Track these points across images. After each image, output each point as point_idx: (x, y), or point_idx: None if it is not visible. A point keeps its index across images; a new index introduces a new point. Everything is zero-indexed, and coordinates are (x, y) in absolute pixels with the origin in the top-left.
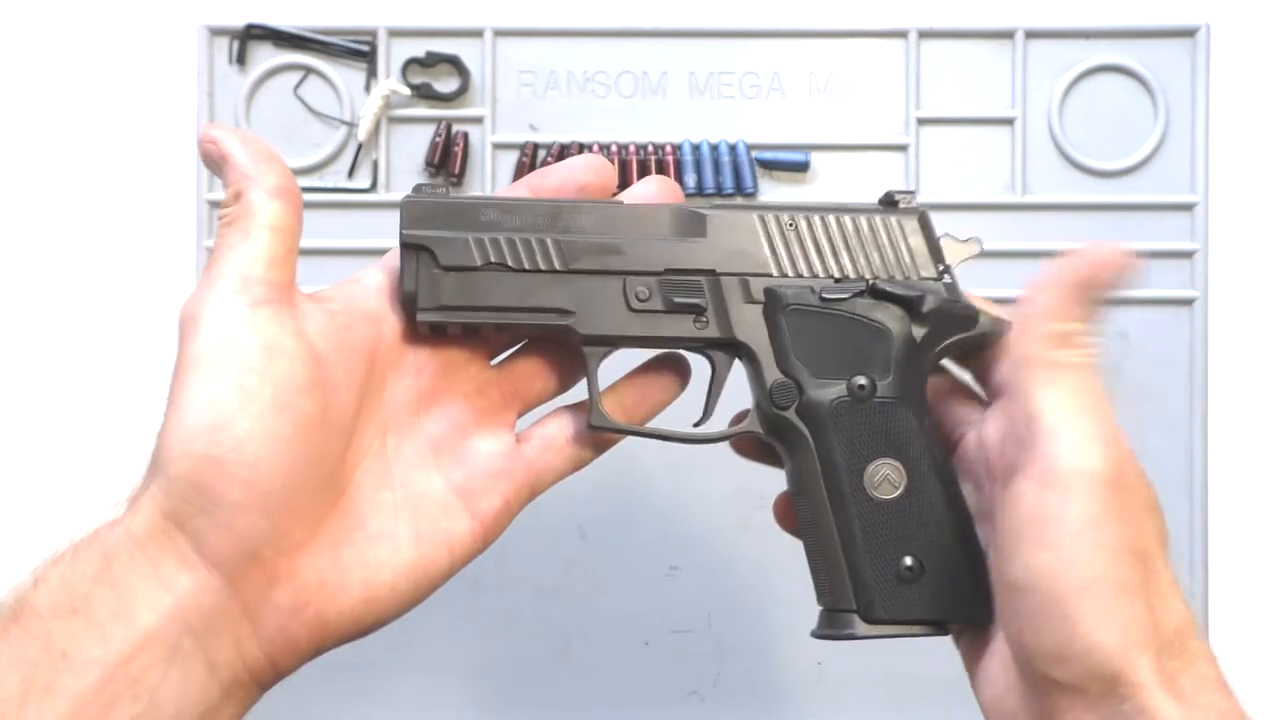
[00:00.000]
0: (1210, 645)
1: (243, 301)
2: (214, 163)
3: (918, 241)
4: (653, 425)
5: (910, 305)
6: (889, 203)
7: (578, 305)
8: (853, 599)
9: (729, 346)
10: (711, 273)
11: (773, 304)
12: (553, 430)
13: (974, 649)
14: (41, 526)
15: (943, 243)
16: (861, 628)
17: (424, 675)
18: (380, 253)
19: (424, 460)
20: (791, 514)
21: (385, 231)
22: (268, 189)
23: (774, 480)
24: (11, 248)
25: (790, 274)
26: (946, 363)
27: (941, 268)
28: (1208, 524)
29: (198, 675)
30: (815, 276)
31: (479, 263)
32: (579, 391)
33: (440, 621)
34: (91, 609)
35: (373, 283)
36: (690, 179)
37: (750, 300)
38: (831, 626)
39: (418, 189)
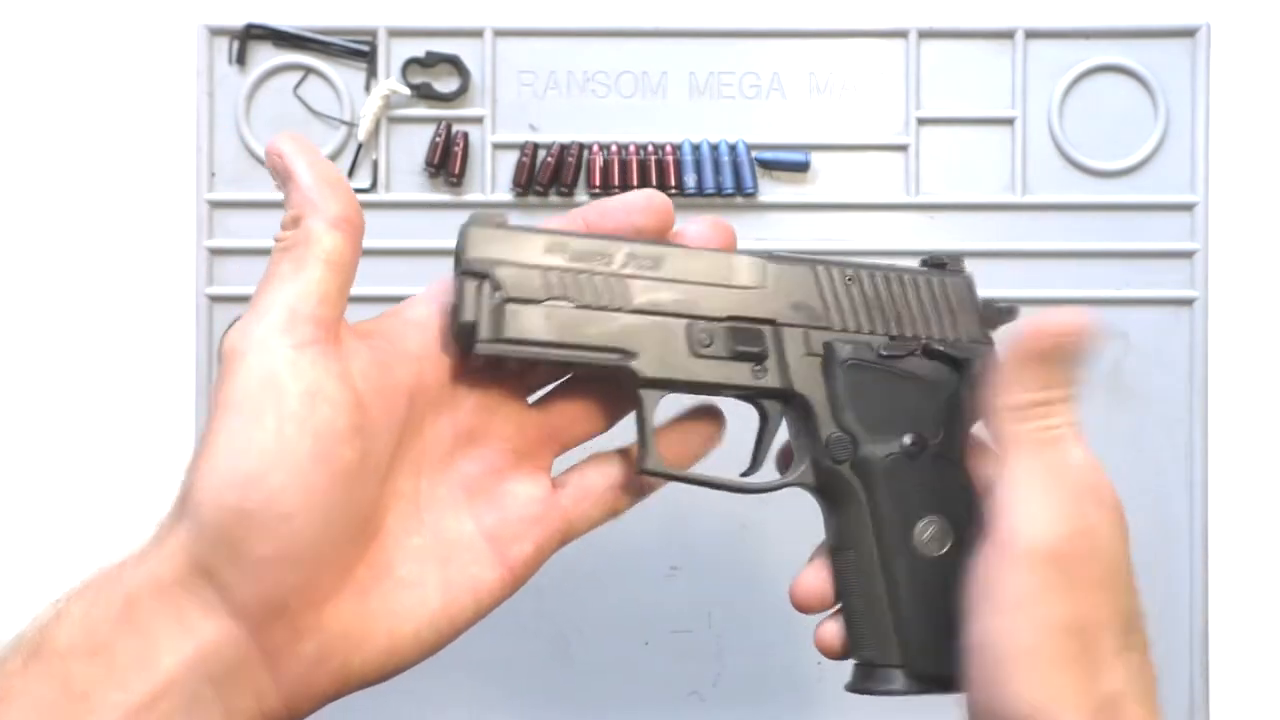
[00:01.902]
0: (1151, 710)
1: (287, 342)
2: (278, 177)
3: (964, 305)
4: (702, 472)
5: (961, 366)
6: (937, 265)
7: (641, 347)
8: (898, 654)
9: (784, 397)
10: (773, 323)
11: (831, 358)
12: (592, 478)
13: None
14: (39, 529)
15: (984, 306)
16: (903, 683)
17: (423, 675)
18: (380, 253)
19: (457, 503)
20: (812, 596)
21: (385, 232)
22: (329, 218)
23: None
24: (11, 248)
25: (850, 329)
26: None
27: (988, 333)
28: (1208, 524)
29: None
30: (873, 333)
31: (544, 296)
32: (615, 435)
33: None
34: (113, 652)
35: (415, 317)
36: (690, 179)
37: (810, 353)
38: (870, 681)
39: (475, 216)
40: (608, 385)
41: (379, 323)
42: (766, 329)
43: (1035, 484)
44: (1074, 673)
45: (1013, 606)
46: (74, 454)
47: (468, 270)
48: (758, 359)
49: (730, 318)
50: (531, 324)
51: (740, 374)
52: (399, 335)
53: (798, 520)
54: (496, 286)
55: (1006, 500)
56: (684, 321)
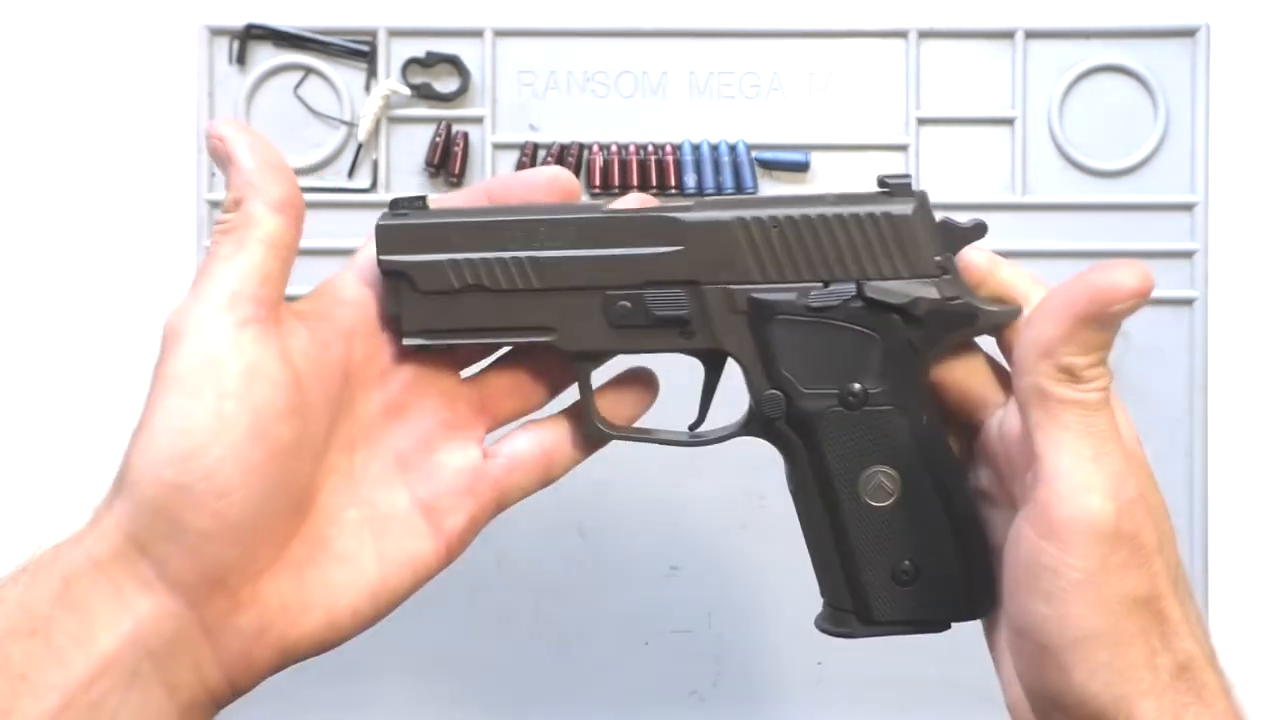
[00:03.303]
0: (1223, 674)
1: (229, 320)
2: (219, 161)
3: (913, 231)
4: (649, 428)
5: (903, 311)
6: (882, 189)
7: (559, 322)
8: (849, 601)
9: (715, 357)
10: (694, 283)
11: (758, 314)
12: (521, 446)
13: (996, 648)
14: (35, 528)
15: (943, 228)
16: (854, 627)
17: (423, 676)
18: None
19: (390, 476)
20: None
21: None
22: (270, 201)
23: (773, 481)
24: (11, 248)
25: (775, 279)
26: (978, 340)
27: (939, 259)
28: (1208, 524)
29: (157, 698)
30: (802, 281)
31: (457, 286)
32: (550, 408)
33: (440, 622)
34: (50, 632)
35: (348, 296)
36: (690, 179)
37: (735, 310)
38: (832, 622)
39: (394, 204)
40: (542, 361)
41: (312, 301)
42: (686, 291)
43: (1086, 453)
44: (1145, 647)
45: (1073, 589)
46: (73, 454)
47: (384, 270)
48: (681, 323)
49: (648, 283)
50: (451, 314)
51: (666, 339)
52: (333, 314)
53: (798, 520)
54: (412, 282)
55: (1056, 471)
56: (599, 293)
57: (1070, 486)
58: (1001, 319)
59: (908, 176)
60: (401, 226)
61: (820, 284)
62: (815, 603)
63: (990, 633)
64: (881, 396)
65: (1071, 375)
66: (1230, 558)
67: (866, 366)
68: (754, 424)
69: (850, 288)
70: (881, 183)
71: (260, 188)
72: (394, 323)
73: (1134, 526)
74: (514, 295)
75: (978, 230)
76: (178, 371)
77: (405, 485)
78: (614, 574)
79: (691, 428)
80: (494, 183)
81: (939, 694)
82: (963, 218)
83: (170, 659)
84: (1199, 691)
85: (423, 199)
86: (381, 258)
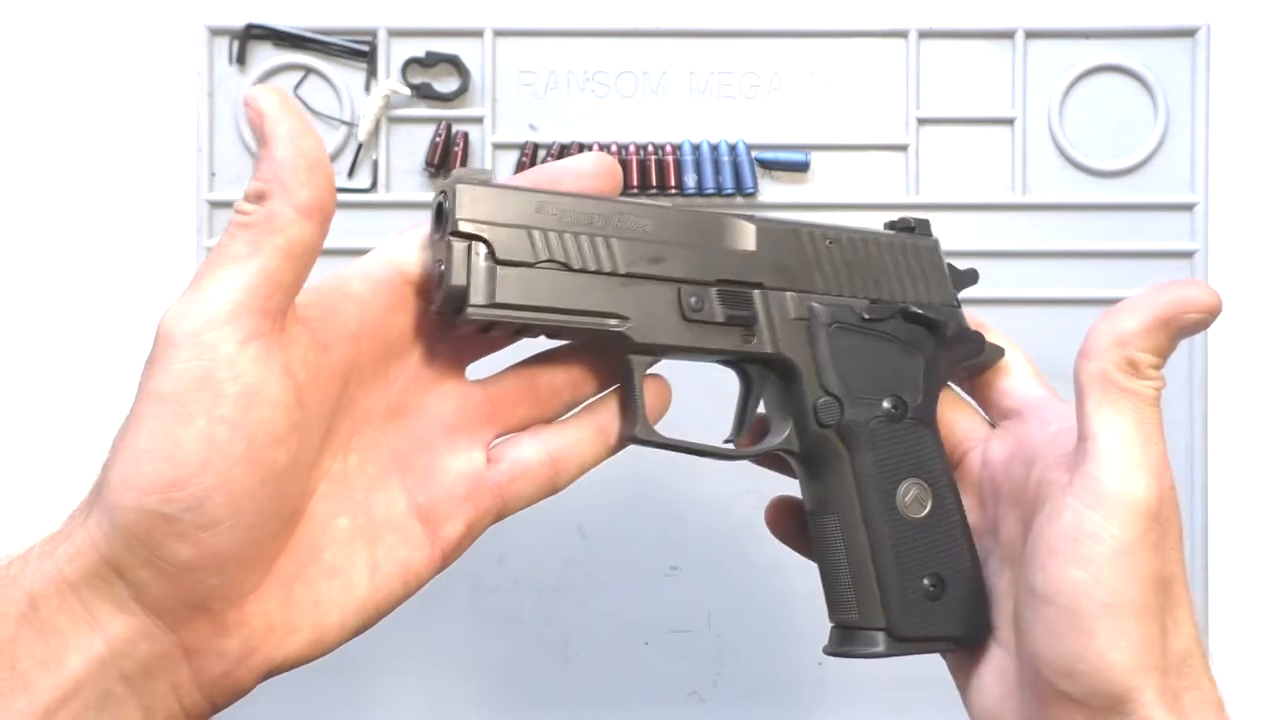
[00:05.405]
0: (1210, 667)
1: (230, 336)
2: (254, 134)
3: (934, 269)
4: (689, 441)
5: (937, 329)
6: (905, 229)
7: (632, 311)
8: (881, 617)
9: (770, 362)
10: (760, 286)
11: (816, 321)
12: (528, 452)
13: (965, 661)
14: (27, 530)
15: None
16: (885, 645)
17: (424, 676)
18: None
19: (387, 479)
20: (784, 521)
21: (385, 232)
22: (298, 204)
23: (774, 481)
24: (11, 247)
25: (833, 292)
26: (951, 385)
27: (957, 295)
28: (1208, 524)
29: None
30: (854, 296)
31: (535, 259)
32: None
33: (440, 622)
34: (15, 655)
35: (354, 291)
36: (690, 179)
37: (796, 316)
38: (851, 644)
39: (458, 175)
40: (562, 369)
41: (317, 295)
42: (755, 293)
43: (1137, 439)
44: (1156, 626)
45: (1111, 556)
46: (74, 455)
47: (457, 231)
48: (748, 323)
49: (720, 281)
50: (523, 288)
51: (730, 339)
52: (338, 311)
53: (821, 540)
54: (490, 248)
55: (1110, 448)
56: (674, 285)
57: (1121, 463)
58: (995, 354)
59: (926, 221)
60: (487, 189)
61: (868, 301)
62: (814, 603)
63: (966, 654)
64: (917, 411)
65: (1135, 369)
66: (1230, 558)
67: (906, 380)
68: (800, 436)
69: (894, 305)
70: (904, 222)
71: (290, 187)
72: (452, 301)
73: (1169, 511)
74: (592, 277)
75: (971, 276)
76: (168, 390)
77: (403, 489)
78: (614, 574)
79: (728, 441)
80: (540, 173)
81: (939, 694)
82: (964, 218)
83: (147, 681)
84: (1195, 678)
85: (488, 173)
86: (459, 215)
